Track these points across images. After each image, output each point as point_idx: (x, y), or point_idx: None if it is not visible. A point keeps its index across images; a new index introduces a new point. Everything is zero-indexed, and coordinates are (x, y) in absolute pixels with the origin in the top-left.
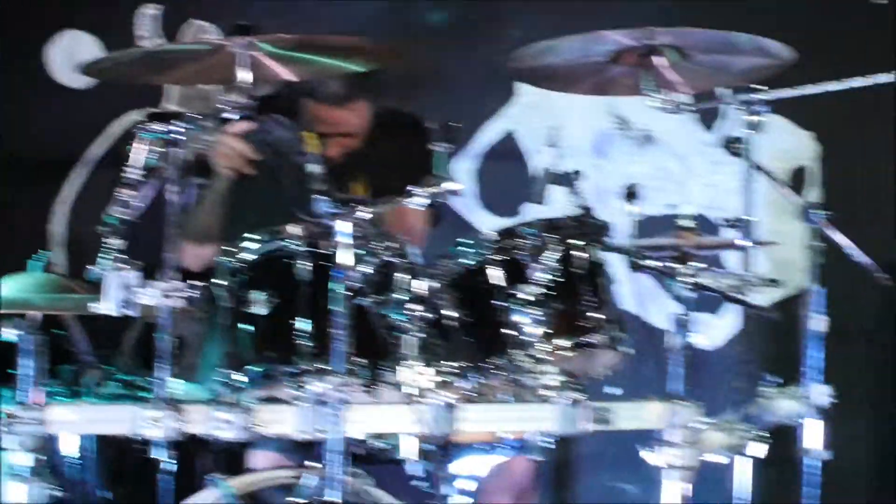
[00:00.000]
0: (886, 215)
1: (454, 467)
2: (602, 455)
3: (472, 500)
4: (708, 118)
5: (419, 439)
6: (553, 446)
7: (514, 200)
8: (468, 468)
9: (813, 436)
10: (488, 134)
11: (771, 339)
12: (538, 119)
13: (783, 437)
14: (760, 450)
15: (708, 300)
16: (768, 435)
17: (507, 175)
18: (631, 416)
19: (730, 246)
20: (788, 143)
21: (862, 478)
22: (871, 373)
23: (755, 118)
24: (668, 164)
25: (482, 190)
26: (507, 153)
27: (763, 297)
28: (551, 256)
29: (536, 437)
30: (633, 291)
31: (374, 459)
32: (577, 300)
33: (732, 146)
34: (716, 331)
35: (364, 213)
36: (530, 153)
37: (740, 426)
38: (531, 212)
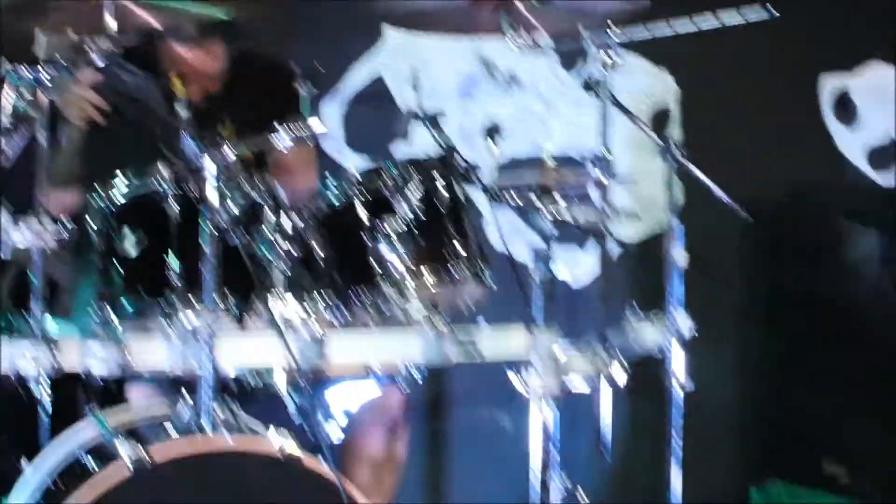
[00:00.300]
0: (743, 154)
1: (328, 400)
2: (473, 388)
3: (344, 434)
4: (572, 60)
5: (289, 371)
6: (422, 379)
7: (383, 142)
8: (341, 402)
9: (677, 363)
10: (356, 77)
11: (636, 274)
12: (405, 62)
13: (648, 369)
14: (622, 376)
15: (578, 237)
16: (633, 365)
17: (375, 117)
18: (494, 344)
19: (589, 182)
20: (650, 85)
21: (725, 407)
22: (731, 305)
23: (611, 58)
24: (533, 106)
25: (351, 132)
26: (375, 96)
27: (629, 234)
28: (416, 193)
29: (406, 368)
30: (499, 228)
31: (249, 396)
32: (442, 235)
33: (592, 86)
34: (584, 266)
35: (231, 153)
36: (398, 96)
37: (603, 353)
38: (398, 152)
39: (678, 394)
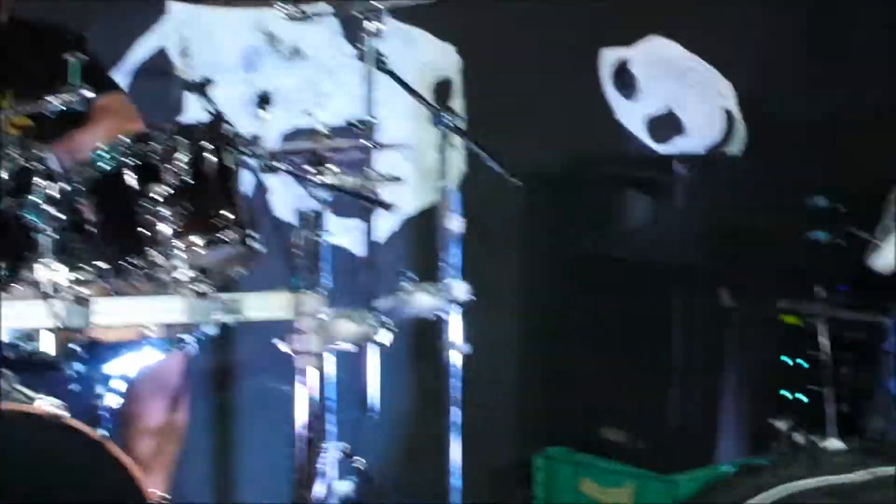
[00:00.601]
0: (526, 125)
1: (105, 368)
2: (257, 355)
3: (123, 401)
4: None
5: (60, 337)
6: (202, 345)
7: (168, 114)
8: (119, 368)
9: (454, 330)
10: (140, 50)
11: (418, 241)
12: (189, 35)
13: (431, 336)
14: (387, 339)
15: (364, 205)
16: (416, 332)
17: (159, 90)
18: (259, 306)
19: (359, 148)
20: (432, 56)
21: (505, 374)
22: (513, 273)
23: (377, 26)
24: (316, 77)
25: (136, 104)
26: (159, 69)
27: (412, 202)
28: (183, 159)
29: (183, 334)
30: (276, 194)
31: (26, 365)
32: (210, 201)
33: (370, 57)
34: (368, 233)
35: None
36: (179, 67)
37: (369, 316)
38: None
39: (455, 361)
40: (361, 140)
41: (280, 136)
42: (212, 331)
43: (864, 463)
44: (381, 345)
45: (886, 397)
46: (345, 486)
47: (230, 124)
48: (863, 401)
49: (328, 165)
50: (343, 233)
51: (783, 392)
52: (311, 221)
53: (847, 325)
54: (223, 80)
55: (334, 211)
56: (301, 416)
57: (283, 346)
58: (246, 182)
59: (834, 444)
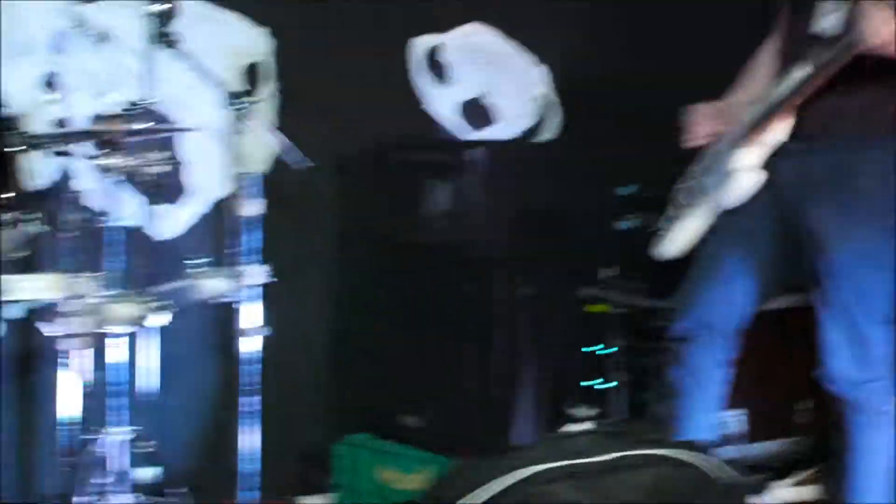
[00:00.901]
0: (337, 110)
1: None
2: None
3: None
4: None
5: None
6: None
7: None
8: None
9: (248, 315)
10: None
11: (225, 225)
12: None
13: (230, 317)
14: (164, 320)
15: (172, 192)
16: (201, 312)
17: None
18: (27, 287)
19: (145, 131)
20: (242, 40)
21: (308, 354)
22: (316, 257)
23: (168, 6)
24: (124, 61)
25: None
26: None
27: (223, 188)
28: None
29: None
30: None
31: None
32: None
33: (165, 39)
34: (172, 219)
35: None
36: None
37: (145, 299)
38: None
39: (251, 346)
40: (140, 123)
41: (90, 118)
42: (13, 315)
43: (606, 446)
44: (162, 328)
45: (669, 383)
46: (140, 473)
47: (6, 107)
48: (654, 387)
49: (114, 149)
50: (149, 217)
51: (583, 380)
52: (88, 203)
53: (647, 314)
54: (29, 62)
55: (144, 195)
56: (65, 400)
57: (47, 330)
58: (50, 166)
59: (576, 427)
